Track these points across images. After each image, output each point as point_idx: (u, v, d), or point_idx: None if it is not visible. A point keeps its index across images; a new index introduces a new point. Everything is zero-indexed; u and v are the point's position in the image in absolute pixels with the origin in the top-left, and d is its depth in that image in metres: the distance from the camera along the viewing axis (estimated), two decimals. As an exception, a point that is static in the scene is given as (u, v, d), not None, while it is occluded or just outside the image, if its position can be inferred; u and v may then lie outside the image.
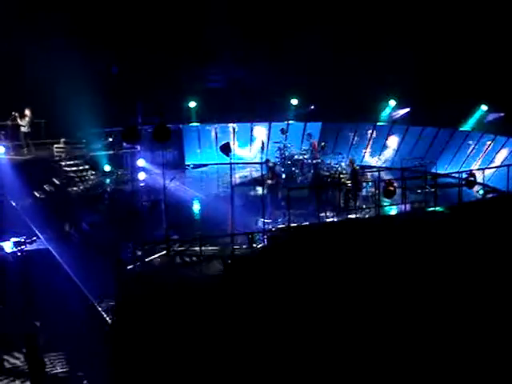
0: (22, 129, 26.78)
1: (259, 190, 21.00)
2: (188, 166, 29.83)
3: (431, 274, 16.72)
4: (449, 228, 17.87)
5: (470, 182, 19.88)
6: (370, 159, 28.76)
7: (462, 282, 16.72)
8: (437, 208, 19.31)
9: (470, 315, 16.24)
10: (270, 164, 22.25)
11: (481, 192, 21.31)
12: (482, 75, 26.54)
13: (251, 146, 30.25)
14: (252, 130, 30.67)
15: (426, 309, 16.25)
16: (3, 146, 26.47)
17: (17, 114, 26.48)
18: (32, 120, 26.83)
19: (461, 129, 27.34)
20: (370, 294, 16.21)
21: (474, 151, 26.10)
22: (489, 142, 25.56)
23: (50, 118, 27.51)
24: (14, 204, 23.74)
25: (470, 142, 26.39)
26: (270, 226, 17.97)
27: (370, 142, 29.21)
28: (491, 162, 24.78)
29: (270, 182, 20.56)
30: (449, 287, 16.64)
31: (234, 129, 29.57)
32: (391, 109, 29.79)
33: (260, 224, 19.19)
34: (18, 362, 16.47)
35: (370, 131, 29.52)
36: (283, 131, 27.16)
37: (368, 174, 24.52)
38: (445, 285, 16.66)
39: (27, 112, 26.66)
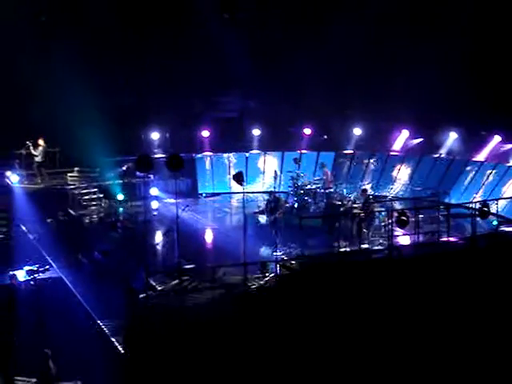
0: (36, 158, 26.94)
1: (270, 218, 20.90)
2: (201, 195, 29.82)
3: (444, 305, 16.64)
4: (462, 259, 17.80)
5: (484, 212, 19.74)
6: (382, 189, 28.64)
7: (476, 312, 16.63)
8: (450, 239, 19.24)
9: (482, 351, 16.15)
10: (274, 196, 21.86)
11: (494, 223, 21.16)
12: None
13: (264, 176, 30.24)
14: (265, 160, 30.64)
15: (437, 343, 16.17)
16: (17, 174, 26.63)
17: (30, 144, 26.66)
18: (46, 149, 27.01)
19: (474, 159, 27.28)
20: (382, 329, 16.14)
21: (488, 181, 25.99)
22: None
23: (64, 146, 27.69)
24: (27, 232, 23.83)
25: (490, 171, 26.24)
26: (283, 256, 17.89)
27: (383, 172, 29.07)
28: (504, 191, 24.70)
29: (276, 215, 20.36)
30: (463, 318, 16.56)
31: (246, 158, 29.65)
32: (404, 139, 29.76)
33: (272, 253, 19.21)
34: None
35: (380, 160, 29.42)
36: (296, 160, 27.20)
37: (380, 203, 24.44)
38: (460, 315, 16.58)
39: (41, 142, 26.86)
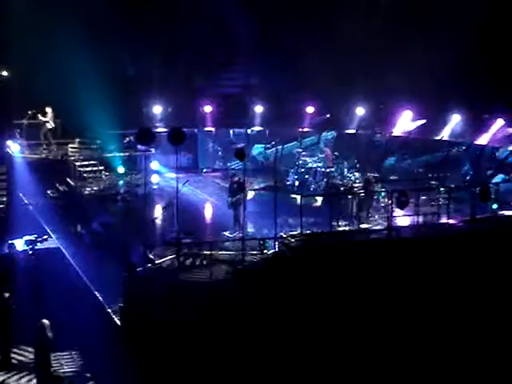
0: (47, 125, 26.99)
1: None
2: (202, 170, 29.78)
3: (441, 287, 16.68)
4: (461, 241, 17.82)
5: (484, 195, 19.71)
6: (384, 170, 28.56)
7: (473, 296, 16.66)
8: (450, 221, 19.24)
9: (478, 332, 16.19)
10: (235, 179, 20.85)
11: (495, 206, 21.14)
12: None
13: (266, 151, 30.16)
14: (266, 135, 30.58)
15: (432, 322, 16.21)
16: (18, 144, 26.59)
17: (34, 112, 26.67)
18: (54, 117, 27.06)
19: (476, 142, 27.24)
20: (379, 306, 16.17)
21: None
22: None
23: (66, 118, 27.63)
24: (27, 202, 23.83)
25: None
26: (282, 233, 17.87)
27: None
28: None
29: (232, 199, 20.14)
30: (458, 301, 16.59)
31: (248, 134, 29.62)
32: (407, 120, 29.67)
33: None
34: (25, 359, 16.53)
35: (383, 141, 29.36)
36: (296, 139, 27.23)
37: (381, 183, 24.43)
38: (455, 298, 16.61)
39: (48, 110, 26.87)
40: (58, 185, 25.09)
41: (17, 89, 27.38)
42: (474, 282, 16.93)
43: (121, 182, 26.33)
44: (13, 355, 16.77)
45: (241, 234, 18.52)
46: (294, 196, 22.93)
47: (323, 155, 26.48)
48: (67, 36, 27.70)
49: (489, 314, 16.64)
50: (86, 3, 29.02)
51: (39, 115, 26.90)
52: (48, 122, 27.02)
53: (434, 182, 24.28)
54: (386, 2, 29.51)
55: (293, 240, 17.27)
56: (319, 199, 23.44)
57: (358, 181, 23.70)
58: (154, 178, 26.32)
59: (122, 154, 27.62)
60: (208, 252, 17.62)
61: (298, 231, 17.86)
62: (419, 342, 16.06)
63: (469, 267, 17.01)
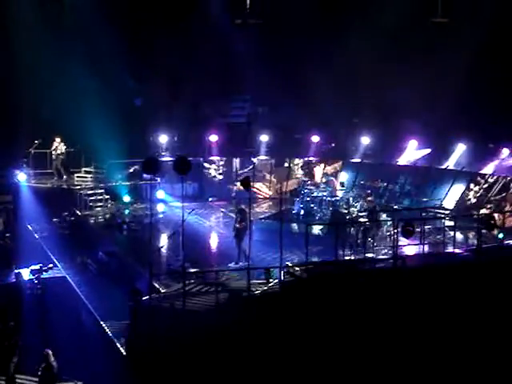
0: (61, 156, 27.23)
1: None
2: (208, 199, 29.80)
3: (446, 317, 16.62)
4: (467, 271, 17.77)
5: (490, 225, 19.70)
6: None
7: (479, 326, 16.60)
8: (456, 250, 19.22)
9: (483, 362, 16.12)
10: (239, 207, 21.06)
11: (500, 236, 21.10)
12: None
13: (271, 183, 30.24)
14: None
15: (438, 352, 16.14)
16: (25, 173, 26.72)
17: (40, 141, 26.91)
18: (63, 146, 27.36)
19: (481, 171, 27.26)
20: (384, 335, 16.12)
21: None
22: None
23: (72, 147, 27.79)
24: (33, 231, 23.89)
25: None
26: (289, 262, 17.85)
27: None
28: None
29: (237, 225, 20.18)
30: (464, 330, 16.53)
31: (254, 164, 29.69)
32: (413, 149, 29.70)
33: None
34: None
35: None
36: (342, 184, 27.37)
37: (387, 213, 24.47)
38: (460, 328, 16.55)
39: (58, 139, 27.11)
40: (64, 214, 25.17)
41: (23, 118, 27.53)
42: (480, 312, 16.85)
43: (126, 211, 26.40)
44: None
45: (245, 264, 18.53)
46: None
47: (330, 184, 26.51)
48: (73, 65, 27.97)
49: (495, 344, 16.55)
50: (92, 33, 29.22)
51: (53, 151, 27.16)
52: (60, 154, 27.23)
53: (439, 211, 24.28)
54: (391, 32, 29.58)
55: (298, 269, 17.24)
56: (324, 228, 23.49)
57: (363, 209, 23.70)
58: (160, 207, 26.38)
59: (127, 183, 27.75)
60: (214, 281, 17.61)
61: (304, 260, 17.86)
62: (425, 371, 15.97)
63: (474, 297, 16.95)
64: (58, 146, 27.33)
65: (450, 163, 28.51)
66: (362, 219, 22.45)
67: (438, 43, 29.64)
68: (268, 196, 29.17)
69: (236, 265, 19.45)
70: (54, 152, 27.43)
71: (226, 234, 23.96)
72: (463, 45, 27.97)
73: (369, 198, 24.09)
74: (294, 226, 24.21)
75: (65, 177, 27.44)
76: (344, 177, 28.90)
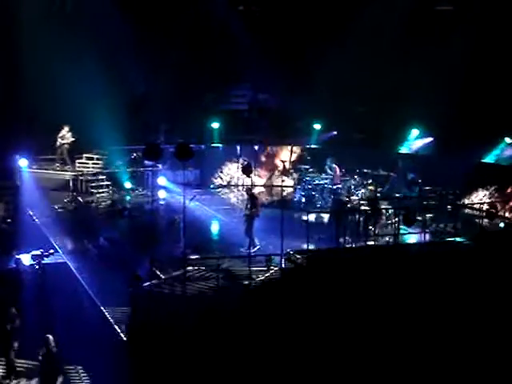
0: (66, 146, 27.22)
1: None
2: (209, 186, 29.79)
3: (449, 305, 16.61)
4: (468, 259, 17.77)
5: (491, 214, 19.71)
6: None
7: (480, 314, 16.59)
8: (457, 238, 19.23)
9: (485, 351, 16.11)
10: (250, 193, 21.12)
11: (501, 225, 21.12)
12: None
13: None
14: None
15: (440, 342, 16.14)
16: (26, 159, 26.69)
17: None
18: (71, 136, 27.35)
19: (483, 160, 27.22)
20: (385, 323, 16.12)
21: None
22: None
23: (74, 133, 27.73)
24: (34, 217, 23.89)
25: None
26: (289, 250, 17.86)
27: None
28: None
29: (247, 212, 20.16)
30: (466, 318, 16.53)
31: (255, 150, 29.65)
32: (414, 138, 29.63)
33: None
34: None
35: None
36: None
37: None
38: (464, 316, 16.54)
39: (66, 128, 27.09)
40: (65, 200, 25.17)
41: (26, 105, 27.47)
42: (481, 300, 16.85)
43: (128, 198, 26.38)
44: (18, 370, 16.76)
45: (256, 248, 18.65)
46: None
47: (332, 172, 26.43)
48: (78, 51, 27.87)
49: (499, 332, 16.55)
50: (96, 21, 29.16)
51: (58, 139, 27.11)
52: (67, 144, 27.20)
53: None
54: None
55: (299, 256, 17.25)
56: (326, 216, 23.48)
57: (365, 197, 23.69)
58: (161, 194, 26.34)
59: (129, 169, 27.75)
60: (214, 267, 17.64)
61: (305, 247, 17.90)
62: (425, 358, 15.99)
63: (475, 285, 16.95)
64: (66, 135, 27.26)
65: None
66: (363, 207, 22.43)
67: (442, 33, 29.51)
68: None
69: (247, 250, 19.37)
70: (60, 141, 27.34)
71: (228, 220, 24.01)
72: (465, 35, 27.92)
73: (370, 187, 24.10)
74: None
75: (69, 166, 27.40)
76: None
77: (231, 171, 28.96)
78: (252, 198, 20.16)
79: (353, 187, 25.39)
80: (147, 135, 28.68)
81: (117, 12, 28.92)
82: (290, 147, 29.37)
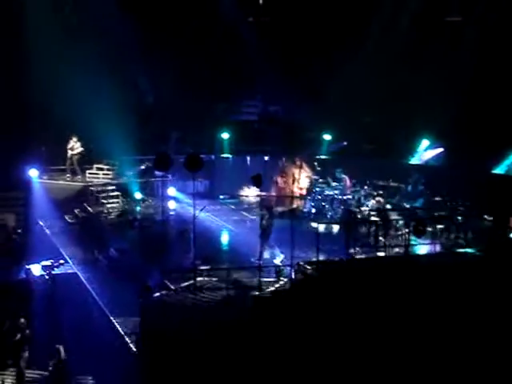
0: (76, 157, 27.30)
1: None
2: (219, 196, 29.78)
3: (459, 316, 16.56)
4: (479, 270, 17.70)
5: (502, 224, 19.64)
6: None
7: (490, 324, 16.53)
8: (468, 249, 19.17)
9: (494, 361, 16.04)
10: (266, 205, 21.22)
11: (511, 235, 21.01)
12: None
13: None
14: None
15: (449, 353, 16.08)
16: (37, 169, 26.76)
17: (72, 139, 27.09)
18: (80, 145, 27.39)
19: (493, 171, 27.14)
20: (395, 333, 16.08)
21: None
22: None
23: (84, 144, 27.80)
24: (44, 227, 23.95)
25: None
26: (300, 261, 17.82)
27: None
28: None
29: (264, 222, 20.18)
30: (475, 328, 16.46)
31: (265, 161, 29.67)
32: (425, 148, 29.56)
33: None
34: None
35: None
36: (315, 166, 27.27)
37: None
38: (470, 326, 16.48)
39: (74, 138, 27.15)
40: (75, 210, 25.22)
41: (37, 115, 27.57)
42: (491, 311, 16.79)
43: (138, 208, 26.41)
44: (28, 379, 16.78)
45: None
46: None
47: (342, 183, 26.44)
48: (87, 62, 27.96)
49: (503, 340, 16.49)
50: (105, 30, 29.26)
51: (69, 150, 27.20)
52: (76, 154, 27.29)
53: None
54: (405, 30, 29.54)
55: (309, 267, 17.22)
56: (336, 227, 23.44)
57: (375, 208, 23.64)
58: (171, 204, 26.35)
59: (139, 180, 27.80)
60: (224, 279, 17.63)
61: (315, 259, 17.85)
62: (434, 368, 15.94)
63: (485, 296, 16.88)
64: (75, 145, 27.34)
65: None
66: (373, 218, 22.38)
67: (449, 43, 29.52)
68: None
69: (258, 261, 19.33)
70: (70, 151, 27.42)
71: (237, 231, 23.99)
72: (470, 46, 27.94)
73: (377, 198, 24.10)
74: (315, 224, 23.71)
75: (79, 176, 27.46)
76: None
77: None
78: (268, 210, 20.23)
79: (362, 198, 25.35)
80: (157, 145, 28.75)
81: (128, 21, 28.98)
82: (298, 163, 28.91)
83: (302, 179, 27.45)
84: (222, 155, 30.89)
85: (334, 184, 26.66)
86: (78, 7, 30.25)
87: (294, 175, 27.36)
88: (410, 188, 27.27)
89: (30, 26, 28.21)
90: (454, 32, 29.85)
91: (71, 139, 27.35)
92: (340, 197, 25.79)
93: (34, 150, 27.38)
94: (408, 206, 24.98)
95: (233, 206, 28.15)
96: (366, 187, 26.06)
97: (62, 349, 15.51)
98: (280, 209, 23.96)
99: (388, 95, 28.92)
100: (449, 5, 30.46)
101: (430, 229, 19.62)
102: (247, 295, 16.87)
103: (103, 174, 27.81)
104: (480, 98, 27.20)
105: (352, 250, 18.88)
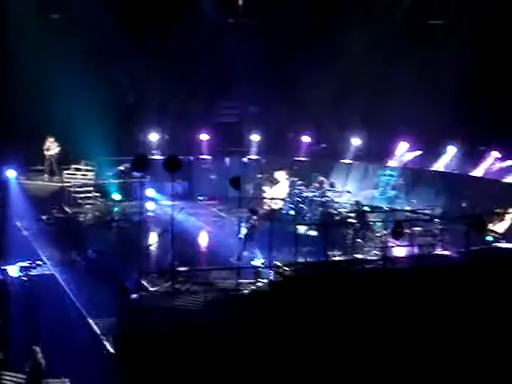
0: (52, 158, 27.11)
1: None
2: (197, 198, 29.73)
3: (435, 319, 16.64)
4: (456, 273, 17.80)
5: (480, 226, 19.71)
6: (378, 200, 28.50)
7: (467, 328, 16.62)
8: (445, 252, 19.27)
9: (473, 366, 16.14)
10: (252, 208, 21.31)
11: (489, 238, 21.14)
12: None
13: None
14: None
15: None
16: (14, 169, 26.60)
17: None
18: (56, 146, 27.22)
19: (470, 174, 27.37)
20: (372, 337, 16.13)
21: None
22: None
23: (62, 144, 27.66)
24: (21, 228, 23.80)
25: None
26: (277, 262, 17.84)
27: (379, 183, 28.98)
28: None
29: (255, 223, 20.26)
30: (453, 332, 16.55)
31: (244, 163, 29.67)
32: (402, 152, 29.73)
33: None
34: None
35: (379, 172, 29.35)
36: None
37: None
38: (449, 330, 16.57)
39: (51, 139, 26.98)
40: (53, 211, 25.08)
41: (15, 116, 27.42)
42: (468, 314, 16.88)
43: (116, 209, 26.31)
44: (4, 382, 16.63)
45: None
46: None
47: (316, 185, 26.49)
48: (64, 60, 27.82)
49: (484, 345, 16.58)
50: (84, 28, 29.17)
51: (45, 151, 27.00)
52: (53, 155, 27.10)
53: (428, 213, 24.25)
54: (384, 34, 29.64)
55: (287, 269, 17.24)
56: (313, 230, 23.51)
57: (353, 209, 23.73)
58: (150, 205, 26.29)
59: (117, 181, 27.70)
60: (203, 280, 17.60)
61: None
62: (414, 373, 16.00)
63: (463, 299, 16.98)
64: (51, 146, 27.17)
65: (440, 165, 28.66)
66: (351, 220, 22.45)
67: (432, 45, 29.69)
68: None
69: (236, 261, 19.31)
70: (46, 152, 27.24)
71: (216, 232, 23.98)
72: (457, 47, 28.09)
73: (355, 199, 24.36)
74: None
75: (57, 177, 27.29)
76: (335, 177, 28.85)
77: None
78: (256, 213, 20.34)
79: (341, 200, 25.50)
80: (136, 146, 28.68)
81: (108, 21, 28.92)
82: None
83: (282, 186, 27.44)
84: (201, 156, 30.85)
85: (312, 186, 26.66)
86: (61, 5, 30.15)
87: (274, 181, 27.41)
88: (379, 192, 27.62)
89: (12, 23, 28.10)
90: (436, 35, 30.11)
91: (47, 140, 27.17)
92: (319, 199, 25.82)
93: (12, 151, 27.19)
94: (387, 208, 25.13)
95: (213, 208, 28.14)
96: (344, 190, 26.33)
97: (38, 350, 15.37)
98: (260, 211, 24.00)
99: (367, 98, 29.07)
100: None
101: (407, 231, 19.67)
102: (225, 296, 16.85)
103: (81, 175, 27.70)
104: (459, 102, 27.41)
105: (330, 252, 18.93)
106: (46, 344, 15.40)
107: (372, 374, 15.71)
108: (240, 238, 20.19)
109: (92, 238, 22.70)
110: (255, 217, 20.22)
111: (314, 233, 22.26)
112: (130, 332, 15.75)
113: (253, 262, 19.46)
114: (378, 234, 21.52)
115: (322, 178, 26.67)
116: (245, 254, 19.77)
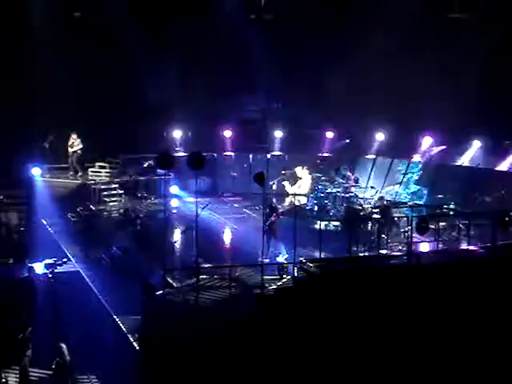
0: (76, 154, 27.19)
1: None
2: (221, 194, 29.74)
3: (461, 315, 16.53)
4: (481, 268, 17.66)
5: (505, 222, 19.53)
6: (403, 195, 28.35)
7: (493, 323, 16.50)
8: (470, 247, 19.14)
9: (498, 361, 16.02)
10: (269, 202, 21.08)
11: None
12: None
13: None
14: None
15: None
16: (39, 167, 26.75)
17: (55, 135, 26.91)
18: (80, 142, 27.30)
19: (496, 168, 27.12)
20: (397, 332, 16.06)
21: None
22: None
23: (87, 142, 27.79)
24: (47, 226, 23.95)
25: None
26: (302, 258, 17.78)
27: (404, 178, 28.82)
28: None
29: (273, 218, 20.21)
30: (478, 328, 16.44)
31: (267, 159, 29.64)
32: (427, 146, 29.54)
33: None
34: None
35: (404, 167, 29.19)
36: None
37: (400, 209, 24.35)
38: (475, 325, 16.46)
39: (74, 136, 27.07)
40: (78, 208, 25.21)
41: (38, 113, 27.60)
42: (494, 310, 16.76)
43: (140, 206, 26.40)
44: (31, 378, 16.77)
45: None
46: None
47: (345, 180, 26.37)
48: (88, 60, 27.97)
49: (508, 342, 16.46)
50: (107, 28, 29.28)
51: (69, 148, 27.11)
52: (76, 151, 27.19)
53: (453, 207, 24.07)
54: (406, 27, 29.44)
55: (312, 265, 17.19)
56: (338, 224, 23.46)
57: (377, 205, 23.63)
58: (174, 203, 26.35)
59: (141, 178, 27.80)
60: (227, 276, 17.62)
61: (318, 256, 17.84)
62: (438, 369, 15.92)
63: (489, 294, 16.85)
64: (75, 143, 27.29)
65: (465, 160, 28.46)
66: (375, 215, 22.35)
67: (454, 38, 29.49)
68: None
69: (263, 258, 19.29)
70: (70, 148, 27.38)
71: (240, 229, 23.97)
72: (480, 40, 27.90)
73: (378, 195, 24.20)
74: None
75: (80, 173, 27.41)
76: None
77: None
78: (274, 209, 20.31)
79: (365, 195, 25.38)
80: (160, 143, 28.74)
81: (130, 20, 29.02)
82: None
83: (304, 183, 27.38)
84: (225, 153, 30.86)
85: (340, 181, 26.52)
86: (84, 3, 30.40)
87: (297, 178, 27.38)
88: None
89: (35, 22, 28.31)
90: (457, 29, 29.92)
91: (71, 136, 27.29)
92: (343, 194, 25.74)
93: (37, 148, 27.39)
94: (411, 203, 25.00)
95: (236, 204, 28.14)
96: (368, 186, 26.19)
97: (64, 347, 15.49)
98: (283, 207, 23.99)
99: (391, 94, 28.86)
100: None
101: (432, 226, 19.56)
102: (250, 293, 16.86)
103: (105, 172, 27.82)
104: (484, 95, 27.20)
105: (354, 248, 18.88)
106: (72, 341, 15.50)
107: (401, 369, 15.67)
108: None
109: (116, 236, 22.78)
110: (275, 214, 20.14)
111: (335, 224, 22.23)
112: (154, 329, 15.80)
113: (277, 259, 19.46)
114: (402, 230, 21.40)
115: (349, 173, 26.59)
116: (270, 250, 19.72)
